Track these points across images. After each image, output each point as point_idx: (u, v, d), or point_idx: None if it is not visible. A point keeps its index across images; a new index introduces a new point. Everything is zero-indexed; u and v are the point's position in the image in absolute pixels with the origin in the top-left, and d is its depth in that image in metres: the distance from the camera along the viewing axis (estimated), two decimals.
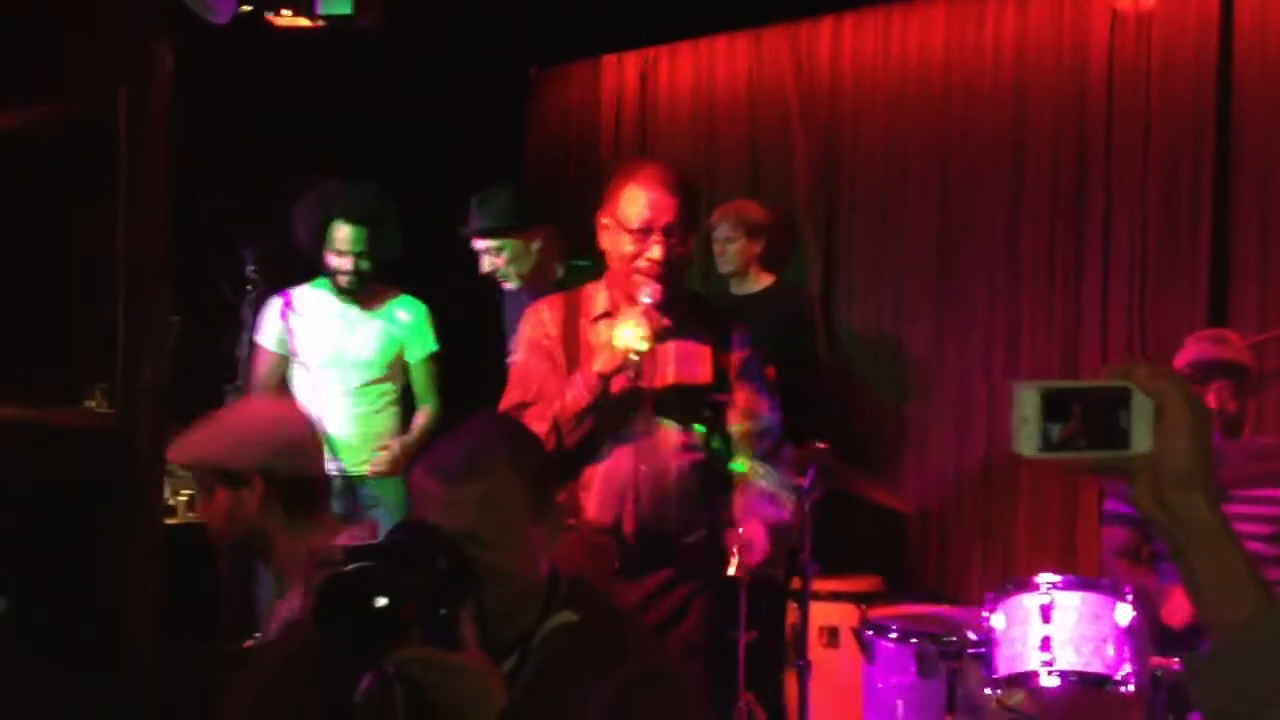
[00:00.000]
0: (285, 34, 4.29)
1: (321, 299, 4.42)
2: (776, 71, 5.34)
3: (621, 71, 5.87)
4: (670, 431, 2.93)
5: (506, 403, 3.03)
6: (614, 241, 2.92)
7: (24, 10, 4.77)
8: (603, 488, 2.91)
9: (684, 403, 2.93)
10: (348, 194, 4.28)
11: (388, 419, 4.45)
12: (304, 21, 4.18)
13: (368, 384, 4.40)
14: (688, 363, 2.95)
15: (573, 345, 2.97)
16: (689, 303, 3.04)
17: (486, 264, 3.80)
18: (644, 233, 2.86)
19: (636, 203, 2.87)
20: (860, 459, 4.96)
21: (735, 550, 2.90)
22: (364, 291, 4.35)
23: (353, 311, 4.39)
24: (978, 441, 4.79)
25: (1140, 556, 3.66)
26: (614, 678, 1.77)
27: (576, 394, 2.86)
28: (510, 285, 3.79)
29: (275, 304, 4.38)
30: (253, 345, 4.36)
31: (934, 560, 4.86)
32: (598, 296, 3.02)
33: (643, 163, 3.04)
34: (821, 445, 3.86)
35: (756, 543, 2.90)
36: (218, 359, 4.34)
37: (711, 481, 2.95)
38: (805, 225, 5.22)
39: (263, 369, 4.38)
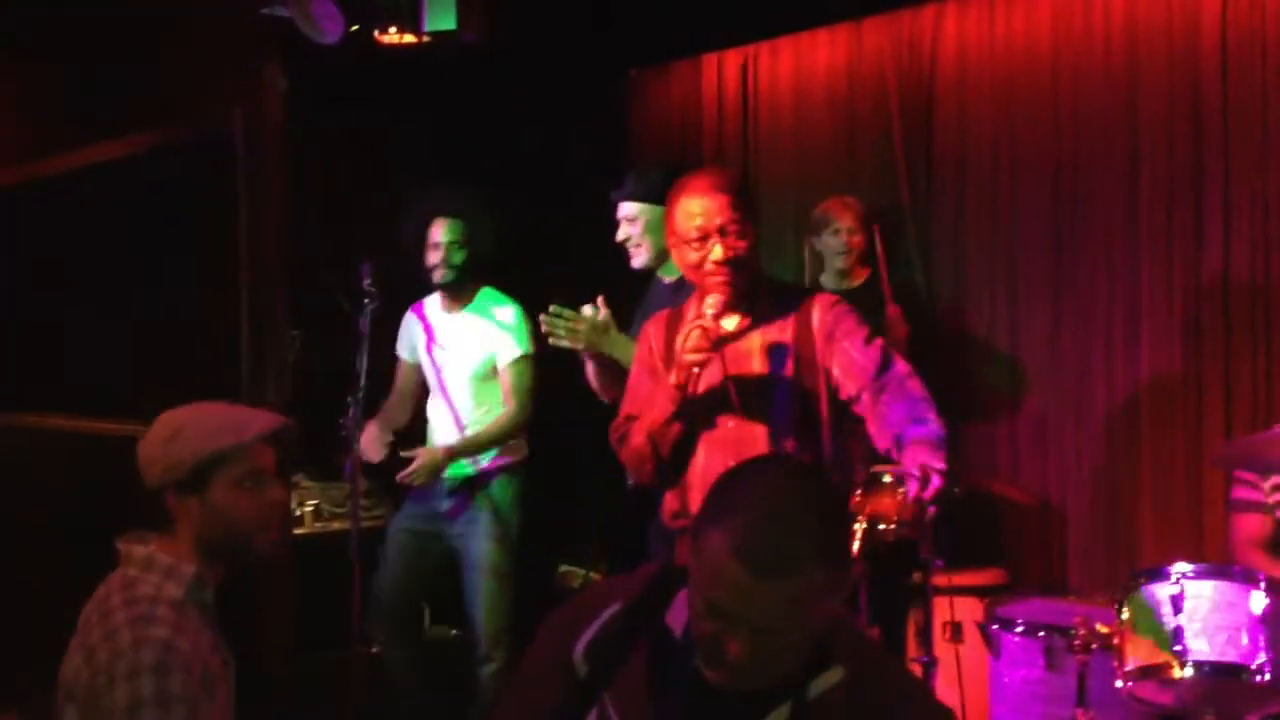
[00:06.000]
0: (393, 50, 4.37)
1: (434, 305, 4.58)
2: (878, 63, 5.31)
3: (722, 69, 5.87)
4: (757, 427, 2.96)
5: (620, 417, 3.17)
6: (681, 255, 3.02)
7: (140, 39, 4.92)
8: (701, 486, 2.97)
9: (764, 398, 2.96)
10: (442, 192, 4.47)
11: (483, 422, 4.48)
12: (410, 38, 4.26)
13: (473, 387, 4.48)
14: (771, 362, 2.99)
15: (673, 359, 3.03)
16: (765, 290, 3.07)
17: (622, 231, 3.83)
18: (702, 238, 2.94)
19: (688, 213, 2.96)
20: (979, 451, 4.92)
21: (911, 483, 2.65)
22: (462, 291, 4.46)
23: (455, 317, 4.50)
24: (1098, 428, 4.71)
25: (1271, 544, 3.58)
26: None
27: (661, 404, 2.98)
28: (638, 259, 3.82)
29: (409, 314, 4.58)
30: (394, 356, 4.62)
31: (1057, 552, 4.78)
32: (692, 310, 3.09)
33: (690, 175, 3.06)
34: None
35: (930, 465, 2.64)
36: (338, 372, 4.44)
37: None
38: (905, 217, 5.18)
39: (398, 379, 4.59)
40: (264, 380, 4.52)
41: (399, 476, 4.34)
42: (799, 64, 5.61)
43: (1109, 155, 4.68)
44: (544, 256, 5.28)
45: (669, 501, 3.10)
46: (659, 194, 3.68)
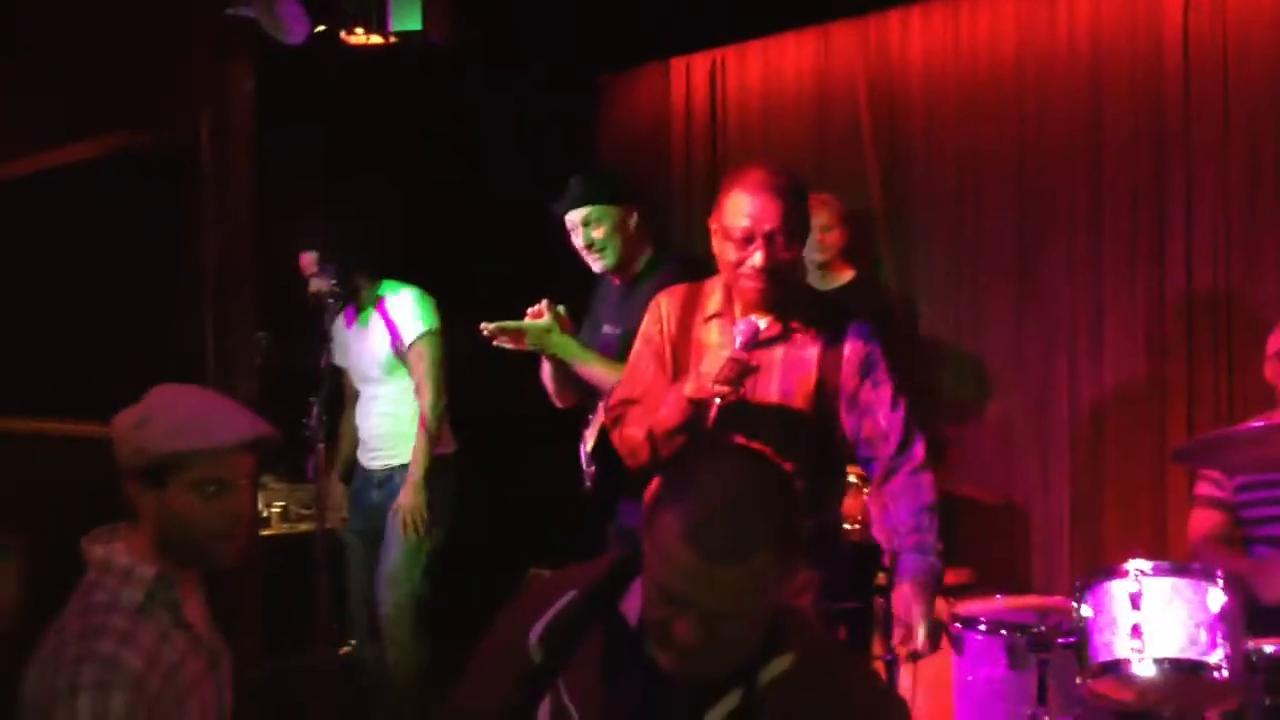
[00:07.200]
0: (360, 51, 4.37)
1: (347, 311, 4.73)
2: (846, 67, 5.34)
3: (690, 74, 5.89)
4: (765, 451, 2.88)
5: (616, 396, 3.09)
6: (721, 247, 2.90)
7: (105, 42, 4.90)
8: None
9: (781, 429, 2.87)
10: (311, 226, 4.72)
11: (403, 414, 4.58)
12: (377, 39, 4.25)
13: (379, 384, 4.63)
14: (790, 378, 2.91)
15: (684, 342, 2.98)
16: (803, 299, 3.00)
17: (582, 237, 3.67)
18: (746, 240, 2.83)
19: (739, 209, 2.83)
20: (944, 451, 4.95)
21: (897, 631, 2.82)
22: (359, 299, 4.64)
23: (359, 319, 4.67)
24: (1062, 429, 4.74)
25: (1231, 540, 3.61)
26: None
27: (669, 411, 2.86)
28: (601, 263, 3.70)
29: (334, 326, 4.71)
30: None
31: (1021, 551, 4.82)
32: (713, 295, 3.01)
33: (749, 167, 2.92)
34: None
35: (913, 622, 2.81)
36: (303, 373, 4.44)
37: (817, 481, 2.91)
38: (879, 220, 5.21)
39: (347, 388, 4.72)
40: (230, 382, 4.50)
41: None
42: (767, 68, 5.64)
43: (1072, 161, 4.72)
44: (510, 261, 5.28)
45: None
46: (617, 194, 3.66)
